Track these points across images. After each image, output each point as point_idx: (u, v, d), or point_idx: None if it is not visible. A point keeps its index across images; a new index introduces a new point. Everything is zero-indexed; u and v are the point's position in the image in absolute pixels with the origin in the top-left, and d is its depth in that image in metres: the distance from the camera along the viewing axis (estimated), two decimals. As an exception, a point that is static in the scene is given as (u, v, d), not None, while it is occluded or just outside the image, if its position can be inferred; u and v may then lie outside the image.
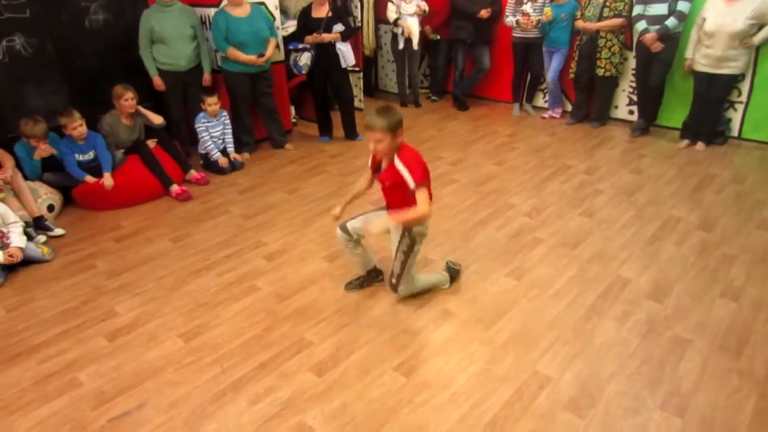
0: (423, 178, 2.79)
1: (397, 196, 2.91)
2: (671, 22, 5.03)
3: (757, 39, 4.81)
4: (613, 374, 2.61)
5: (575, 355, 2.74)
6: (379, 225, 2.85)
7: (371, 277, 3.35)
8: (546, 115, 6.37)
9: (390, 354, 2.79)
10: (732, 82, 5.07)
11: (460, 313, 3.08)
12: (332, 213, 3.16)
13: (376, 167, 3.04)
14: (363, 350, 2.82)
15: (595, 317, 3.01)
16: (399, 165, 2.80)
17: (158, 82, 4.99)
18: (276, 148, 5.66)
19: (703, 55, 4.98)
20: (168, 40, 4.84)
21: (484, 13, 6.12)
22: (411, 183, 2.77)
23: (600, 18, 5.45)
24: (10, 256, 3.56)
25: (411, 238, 2.97)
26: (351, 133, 5.84)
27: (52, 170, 4.36)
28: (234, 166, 5.15)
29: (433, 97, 7.20)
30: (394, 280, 3.11)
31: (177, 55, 4.93)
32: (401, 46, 6.44)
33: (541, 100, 6.64)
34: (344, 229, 3.12)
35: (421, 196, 2.77)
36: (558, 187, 4.57)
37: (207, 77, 5.18)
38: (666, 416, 2.38)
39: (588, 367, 2.66)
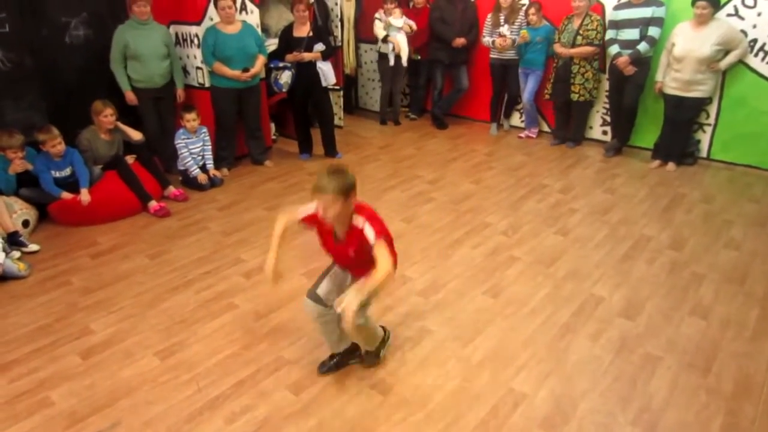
0: (383, 231, 2.44)
1: (366, 263, 2.45)
2: (643, 46, 5.19)
3: (724, 64, 5.00)
4: (586, 391, 2.66)
5: (549, 372, 2.79)
6: (353, 303, 2.28)
7: (349, 356, 2.85)
8: (522, 135, 6.49)
9: (367, 372, 2.80)
10: (700, 104, 5.23)
11: (438, 331, 3.11)
12: (267, 271, 2.62)
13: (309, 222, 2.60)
14: (340, 368, 2.83)
15: (569, 335, 3.06)
16: (360, 223, 2.44)
17: (131, 97, 4.95)
18: (256, 164, 5.67)
19: (672, 79, 5.14)
20: (143, 58, 4.84)
21: (459, 42, 6.26)
22: (371, 237, 2.39)
23: (573, 45, 5.60)
24: None
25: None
26: (331, 151, 5.88)
27: (28, 185, 4.32)
28: (213, 183, 5.14)
29: (412, 116, 7.28)
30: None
31: (152, 73, 4.93)
32: (392, 62, 6.51)
33: (517, 120, 6.76)
34: (315, 298, 2.64)
35: (381, 249, 2.37)
36: (534, 206, 4.65)
37: (181, 93, 5.21)
38: (637, 433, 2.43)
39: (562, 385, 2.70)
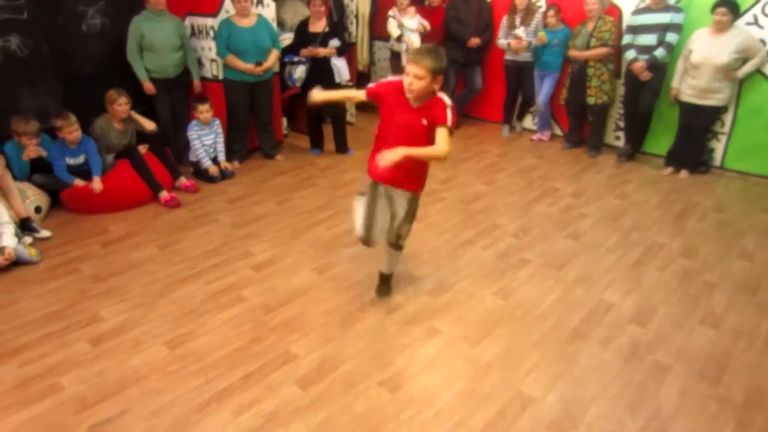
0: (454, 124, 2.75)
1: (413, 139, 2.76)
2: (660, 52, 5.15)
3: (741, 72, 4.95)
4: (595, 397, 2.65)
5: (558, 376, 2.77)
6: (400, 152, 2.65)
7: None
8: (535, 138, 6.46)
9: (375, 369, 2.80)
10: (716, 113, 5.19)
11: (446, 331, 3.10)
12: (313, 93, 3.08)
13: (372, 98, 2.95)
14: (348, 365, 2.83)
15: (578, 340, 3.05)
16: (445, 99, 2.74)
17: (149, 86, 4.98)
18: (267, 158, 5.68)
19: (688, 86, 5.11)
20: (157, 49, 4.87)
21: (474, 42, 6.24)
22: (449, 120, 2.70)
23: (588, 47, 5.56)
24: (7, 258, 3.56)
25: (417, 200, 3.07)
26: (342, 147, 5.88)
27: (41, 172, 4.34)
28: (224, 175, 5.15)
29: (424, 115, 7.25)
30: (402, 241, 3.19)
31: (165, 64, 4.96)
32: (405, 62, 6.49)
33: (530, 122, 6.74)
34: (368, 240, 3.21)
35: (446, 135, 2.70)
36: (545, 209, 4.63)
37: (197, 84, 5.23)
38: (646, 440, 2.42)
39: (571, 389, 2.69)
